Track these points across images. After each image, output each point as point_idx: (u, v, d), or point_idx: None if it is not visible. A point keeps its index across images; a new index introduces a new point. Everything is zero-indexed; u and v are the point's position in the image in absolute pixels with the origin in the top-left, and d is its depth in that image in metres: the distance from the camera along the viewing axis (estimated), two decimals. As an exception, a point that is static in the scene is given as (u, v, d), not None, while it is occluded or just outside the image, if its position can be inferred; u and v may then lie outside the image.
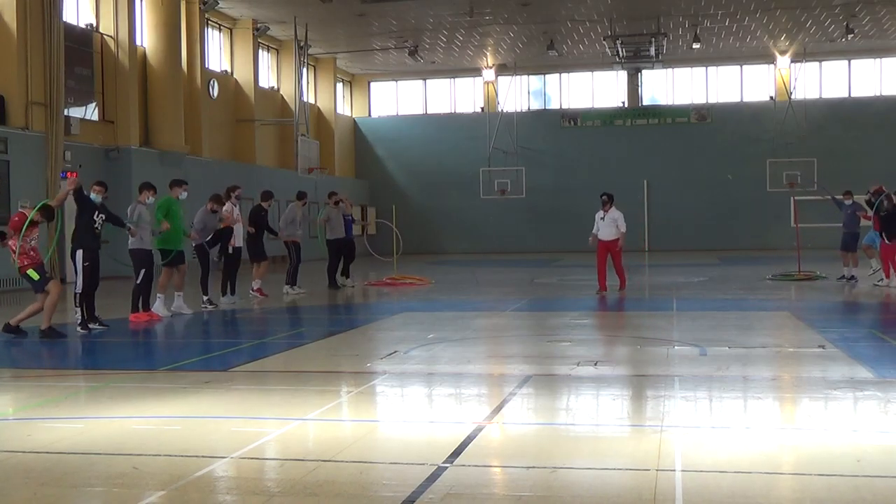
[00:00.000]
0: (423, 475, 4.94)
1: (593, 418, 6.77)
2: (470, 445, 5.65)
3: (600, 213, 17.21)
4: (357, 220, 20.29)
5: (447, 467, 5.11)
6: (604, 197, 17.36)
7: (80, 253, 11.93)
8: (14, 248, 11.08)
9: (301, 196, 18.85)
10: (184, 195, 14.35)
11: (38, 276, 11.17)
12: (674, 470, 5.05)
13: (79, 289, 11.91)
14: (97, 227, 12.11)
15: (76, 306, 11.96)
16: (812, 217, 27.14)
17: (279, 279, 18.26)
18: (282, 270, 18.39)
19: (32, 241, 11.25)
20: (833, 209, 20.10)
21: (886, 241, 17.30)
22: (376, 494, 4.75)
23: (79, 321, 11.92)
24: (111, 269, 15.00)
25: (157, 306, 13.82)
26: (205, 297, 15.18)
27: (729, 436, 5.96)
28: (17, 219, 11.24)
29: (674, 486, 4.74)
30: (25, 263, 11.16)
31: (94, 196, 12.24)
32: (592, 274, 24.10)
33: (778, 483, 4.96)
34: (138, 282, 13.07)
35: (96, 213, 12.09)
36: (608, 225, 17.03)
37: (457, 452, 5.45)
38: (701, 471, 5.03)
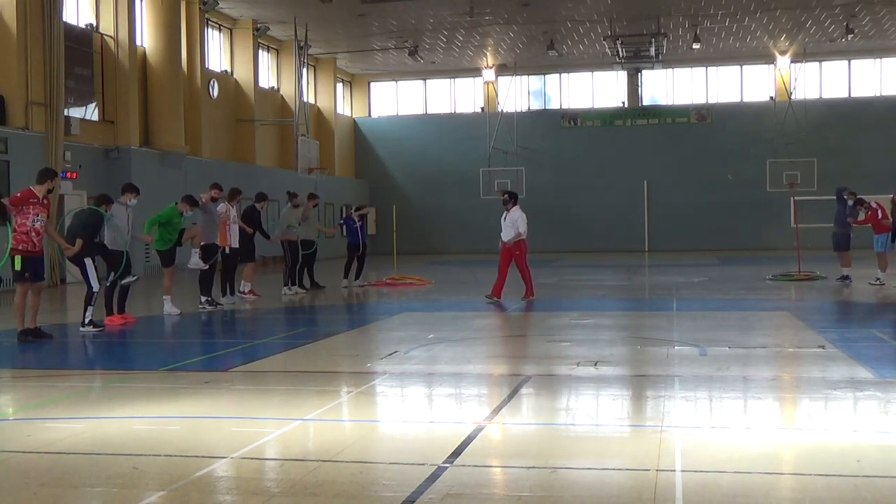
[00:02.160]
0: (423, 475, 4.94)
1: (593, 418, 6.77)
2: (470, 445, 5.65)
3: (503, 214, 15.89)
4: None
5: (447, 467, 5.11)
6: (504, 196, 16.01)
7: (88, 260, 11.96)
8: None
9: (292, 197, 18.81)
10: (189, 213, 14.52)
11: (20, 268, 10.75)
12: (674, 470, 5.05)
13: (96, 288, 11.99)
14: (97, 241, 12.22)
15: (91, 305, 11.97)
16: (812, 217, 27.15)
17: (274, 279, 18.25)
18: (279, 270, 18.38)
19: (37, 223, 10.79)
20: (833, 210, 20.05)
21: None
22: (376, 494, 4.75)
23: (87, 321, 11.91)
24: (105, 271, 15.01)
25: (168, 307, 14.08)
26: (203, 298, 15.16)
27: (729, 436, 5.96)
28: (19, 195, 11.01)
29: (674, 486, 4.74)
30: (18, 248, 10.71)
31: (106, 212, 12.41)
32: (593, 274, 24.24)
33: (778, 483, 4.96)
34: (108, 284, 13.02)
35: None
36: (508, 226, 15.69)
37: (457, 452, 5.45)
38: (701, 471, 5.04)
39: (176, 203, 14.49)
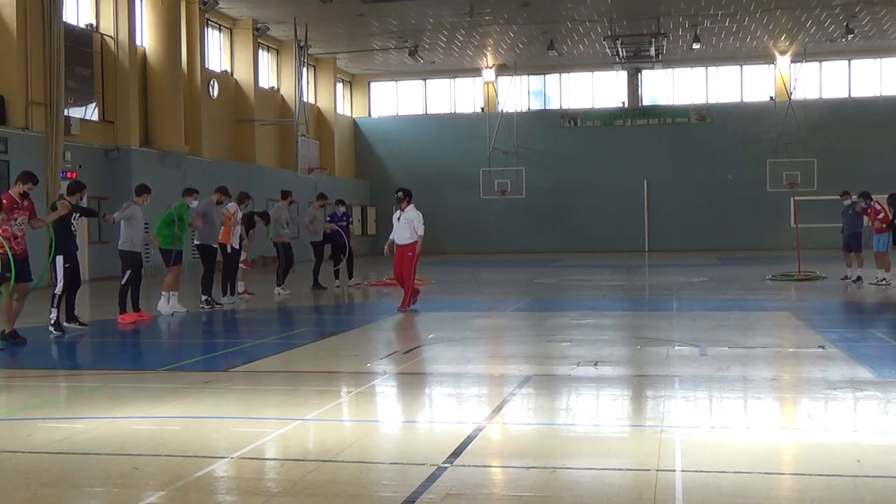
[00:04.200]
0: (423, 475, 4.94)
1: (593, 418, 6.77)
2: (470, 445, 5.65)
3: (396, 214, 14.66)
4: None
5: (447, 467, 5.11)
6: (399, 194, 14.76)
7: (60, 258, 11.86)
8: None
9: (285, 195, 18.78)
10: (194, 203, 14.58)
11: (1, 269, 10.55)
12: (674, 470, 5.04)
13: (59, 290, 11.81)
14: (74, 230, 12.12)
15: (53, 307, 11.76)
16: (812, 217, 27.16)
17: (269, 280, 18.25)
18: (272, 271, 18.40)
19: (15, 228, 10.70)
20: (834, 209, 20.06)
21: None
22: (376, 494, 4.75)
23: (52, 321, 11.71)
24: (107, 270, 15.02)
25: (162, 305, 14.04)
26: (203, 297, 15.16)
27: (729, 436, 5.96)
28: (5, 202, 10.89)
29: (674, 486, 4.73)
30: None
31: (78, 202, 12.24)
32: (593, 274, 24.22)
33: (778, 483, 4.96)
34: (123, 282, 13.04)
35: (73, 217, 12.05)
36: (403, 227, 14.45)
37: (457, 452, 5.45)
38: (701, 471, 5.03)
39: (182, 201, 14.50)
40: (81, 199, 12.43)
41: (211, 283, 15.28)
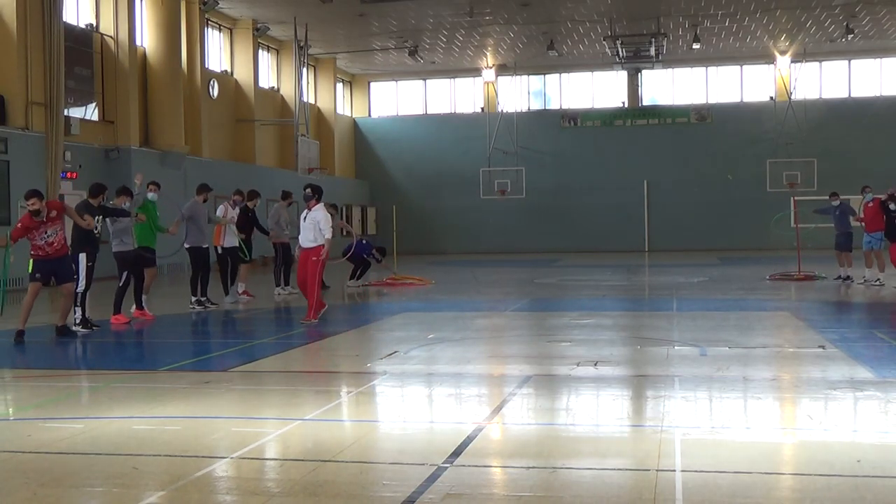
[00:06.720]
0: (423, 475, 4.94)
1: (593, 418, 6.77)
2: (470, 445, 5.65)
3: (303, 213, 12.97)
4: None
5: (447, 467, 5.11)
6: (307, 190, 12.93)
7: (83, 256, 11.97)
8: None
9: (286, 196, 18.75)
10: (152, 195, 14.29)
11: (31, 270, 11.12)
12: (674, 470, 5.05)
13: (81, 289, 11.93)
14: (97, 230, 12.16)
15: (77, 305, 11.94)
16: (812, 217, 27.12)
17: (268, 280, 18.23)
18: (269, 271, 18.38)
19: (46, 238, 11.10)
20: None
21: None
22: (376, 494, 4.75)
23: (78, 320, 11.91)
24: (107, 271, 15.00)
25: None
26: (194, 299, 15.11)
27: (729, 436, 5.96)
28: (19, 225, 11.20)
29: (674, 486, 4.74)
30: (31, 253, 11.18)
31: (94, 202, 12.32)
32: (593, 274, 24.23)
33: (778, 483, 4.97)
34: (120, 284, 13.05)
35: (95, 218, 12.12)
36: (308, 228, 12.69)
37: (457, 452, 5.45)
38: (701, 471, 5.04)
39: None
40: (104, 200, 12.49)
41: (198, 284, 15.20)
